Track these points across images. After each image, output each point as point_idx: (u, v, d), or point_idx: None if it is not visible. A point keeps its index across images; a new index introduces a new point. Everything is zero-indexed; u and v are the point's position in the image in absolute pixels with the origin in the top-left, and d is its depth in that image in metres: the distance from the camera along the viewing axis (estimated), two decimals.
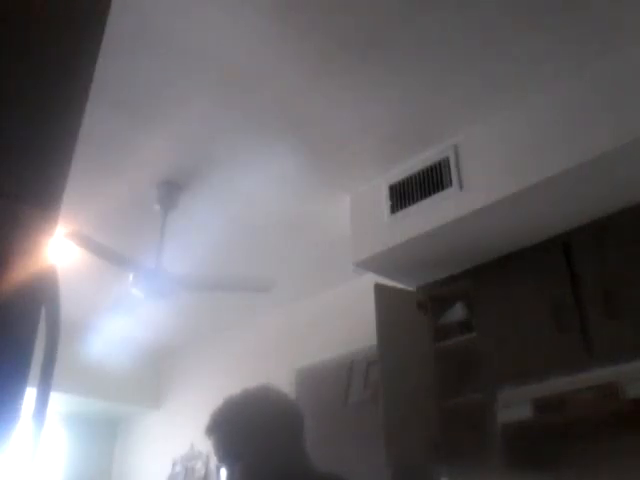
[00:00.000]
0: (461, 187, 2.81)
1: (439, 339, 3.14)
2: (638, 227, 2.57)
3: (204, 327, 4.96)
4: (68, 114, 0.97)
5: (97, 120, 2.64)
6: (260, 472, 1.48)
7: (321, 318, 4.25)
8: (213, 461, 4.48)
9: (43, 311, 0.88)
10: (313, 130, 2.87)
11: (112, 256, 3.17)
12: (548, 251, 2.83)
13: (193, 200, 3.33)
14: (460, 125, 2.85)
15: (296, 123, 2.82)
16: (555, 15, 2.27)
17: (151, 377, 5.47)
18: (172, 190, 3.22)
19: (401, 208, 3.02)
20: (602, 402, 2.37)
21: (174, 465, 4.90)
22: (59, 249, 3.35)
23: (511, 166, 2.66)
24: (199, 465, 4.68)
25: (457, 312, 3.15)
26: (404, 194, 3.03)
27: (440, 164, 2.92)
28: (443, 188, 2.86)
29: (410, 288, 3.33)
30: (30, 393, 0.86)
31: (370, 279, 3.27)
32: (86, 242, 3.08)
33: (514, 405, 2.60)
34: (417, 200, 2.96)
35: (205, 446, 4.50)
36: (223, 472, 1.54)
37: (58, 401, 4.82)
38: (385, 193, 3.12)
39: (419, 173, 3.00)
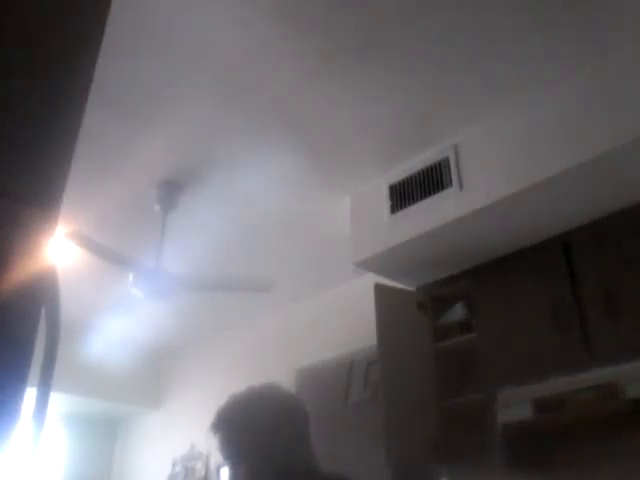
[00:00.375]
0: (461, 187, 2.81)
1: (439, 339, 3.14)
2: (638, 227, 2.57)
3: (204, 327, 4.96)
4: (68, 114, 0.97)
5: (97, 120, 2.64)
6: (263, 473, 1.48)
7: (321, 318, 4.25)
8: (213, 461, 4.48)
9: (43, 311, 0.88)
10: (313, 130, 2.87)
11: (112, 256, 3.17)
12: (548, 251, 2.83)
13: (193, 200, 3.33)
14: (460, 125, 2.85)
15: (296, 123, 2.82)
16: (555, 15, 2.27)
17: (151, 377, 5.47)
18: (172, 190, 3.22)
19: (401, 208, 3.02)
20: (602, 402, 2.37)
21: (174, 465, 4.90)
22: (59, 249, 3.35)
23: (511, 166, 2.66)
24: (199, 465, 4.67)
25: (457, 312, 3.15)
26: (404, 194, 3.03)
27: (440, 164, 2.92)
28: (443, 188, 2.86)
29: (410, 288, 3.33)
30: (30, 393, 0.85)
31: (370, 279, 3.27)
32: (86, 242, 3.08)
33: (514, 405, 2.60)
34: (417, 200, 2.96)
35: (205, 446, 4.50)
36: (223, 472, 1.54)
37: (58, 401, 4.82)
38: (385, 193, 3.12)
39: (419, 173, 3.00)
